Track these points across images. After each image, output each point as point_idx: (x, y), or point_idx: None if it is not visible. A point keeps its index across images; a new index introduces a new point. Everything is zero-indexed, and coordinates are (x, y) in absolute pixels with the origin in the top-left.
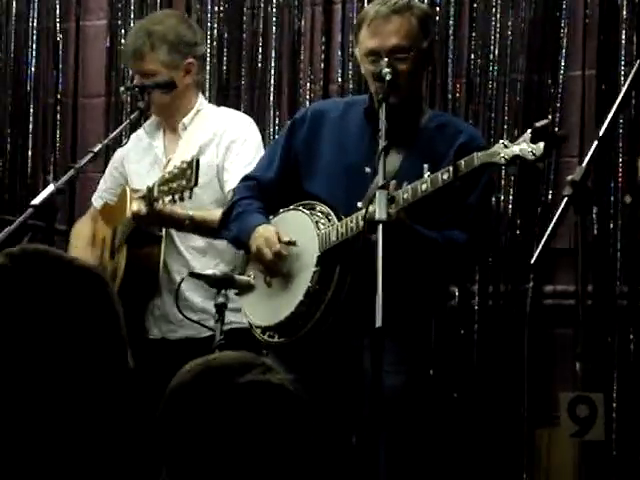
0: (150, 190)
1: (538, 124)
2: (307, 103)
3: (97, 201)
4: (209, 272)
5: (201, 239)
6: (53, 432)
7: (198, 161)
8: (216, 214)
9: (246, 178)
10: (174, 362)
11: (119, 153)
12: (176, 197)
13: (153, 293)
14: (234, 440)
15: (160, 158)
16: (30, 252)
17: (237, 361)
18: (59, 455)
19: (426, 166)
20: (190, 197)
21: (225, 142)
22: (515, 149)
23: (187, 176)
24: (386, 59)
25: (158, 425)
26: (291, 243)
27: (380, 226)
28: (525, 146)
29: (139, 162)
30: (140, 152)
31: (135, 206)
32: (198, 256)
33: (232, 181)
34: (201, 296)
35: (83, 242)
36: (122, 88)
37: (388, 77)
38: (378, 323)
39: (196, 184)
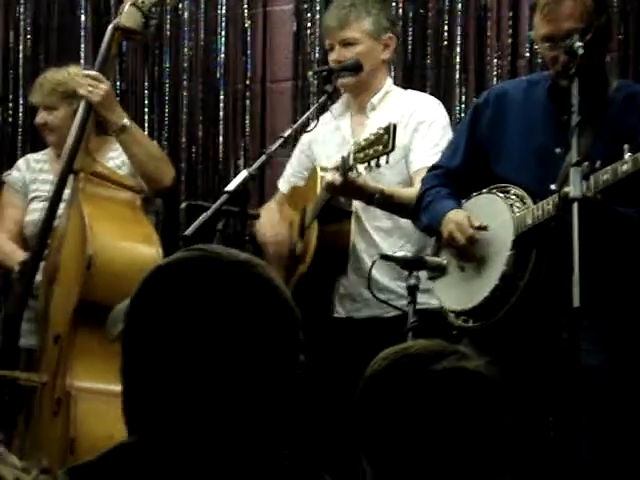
0: (345, 159)
1: None
2: (494, 80)
3: (284, 186)
4: (400, 254)
5: (388, 219)
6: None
7: (395, 126)
8: (404, 191)
9: (433, 168)
10: (359, 341)
11: (306, 137)
12: (372, 163)
13: (342, 270)
14: (431, 427)
15: (347, 139)
16: (200, 255)
17: (432, 349)
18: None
19: (627, 146)
20: (387, 162)
21: (413, 123)
22: None
23: (384, 141)
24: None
25: (355, 413)
26: (482, 228)
27: (575, 204)
28: None
29: (326, 144)
30: (327, 134)
31: (329, 176)
32: (385, 236)
33: (418, 162)
34: (388, 276)
35: (272, 226)
36: (310, 72)
37: (580, 51)
38: (575, 303)
39: (393, 149)
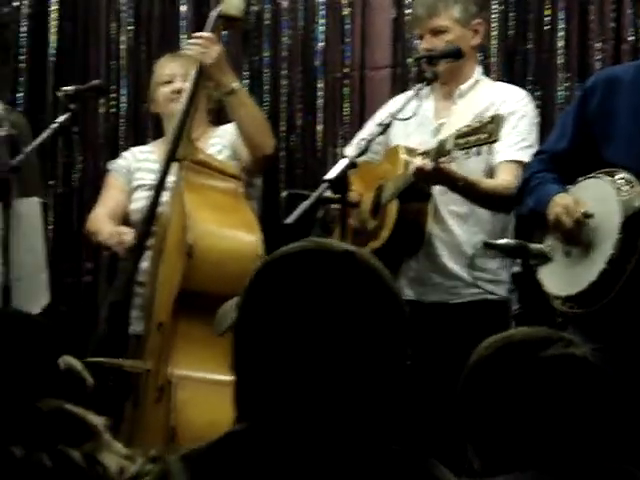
0: (443, 143)
1: None
2: (597, 65)
3: (350, 153)
4: (503, 241)
5: (465, 205)
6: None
7: (504, 117)
8: (487, 182)
9: (538, 153)
10: (427, 324)
11: (385, 113)
12: (472, 151)
13: (415, 251)
14: (539, 414)
15: (430, 119)
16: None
17: (538, 336)
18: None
19: None
20: (479, 153)
21: (503, 113)
22: None
23: (489, 130)
24: None
25: (460, 401)
26: (588, 216)
27: None
28: None
29: (406, 123)
30: (407, 113)
31: (419, 161)
32: (460, 222)
33: (503, 154)
34: (458, 264)
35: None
36: (411, 59)
37: None
38: None
39: (497, 139)
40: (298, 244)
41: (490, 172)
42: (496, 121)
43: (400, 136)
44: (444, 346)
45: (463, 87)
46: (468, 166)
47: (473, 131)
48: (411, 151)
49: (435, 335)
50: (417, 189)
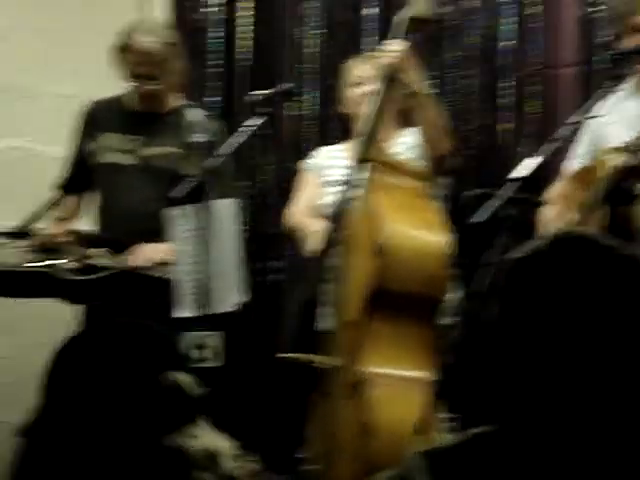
0: None
1: None
2: None
3: (571, 166)
4: None
5: None
6: None
7: None
8: None
9: None
10: None
11: (594, 120)
12: None
13: None
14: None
15: (637, 116)
16: (573, 237)
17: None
18: None
19: None
20: None
21: None
22: None
23: None
24: None
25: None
26: None
27: None
28: None
29: (615, 123)
30: (614, 115)
31: (618, 158)
32: None
33: None
34: None
35: (560, 208)
36: (608, 54)
37: None
38: None
39: None
40: (558, 236)
41: None
42: None
43: (612, 138)
44: None
45: None
46: None
47: None
48: (615, 150)
49: None
50: (624, 189)
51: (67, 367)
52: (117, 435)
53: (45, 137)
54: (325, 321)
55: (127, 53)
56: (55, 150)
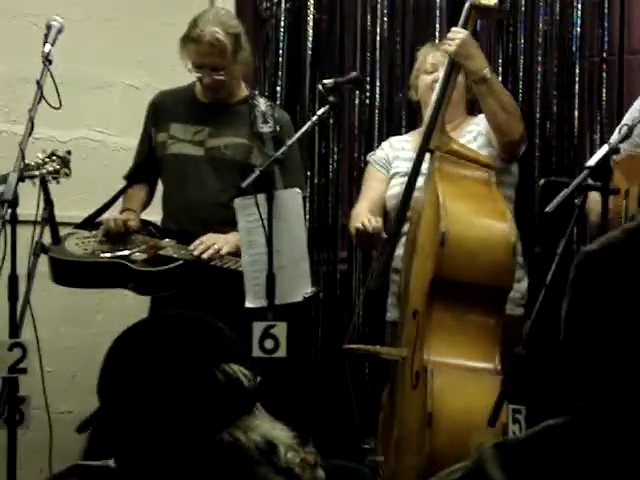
0: None
1: None
2: None
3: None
4: None
5: None
6: None
7: None
8: None
9: None
10: None
11: None
12: None
13: None
14: None
15: None
16: None
17: None
18: None
19: None
20: None
21: None
22: None
23: None
24: None
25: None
26: None
27: None
28: None
29: None
30: None
31: None
32: None
33: None
34: None
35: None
36: None
37: None
38: None
39: None
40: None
41: None
42: None
43: None
44: None
45: None
46: None
47: None
48: None
49: None
50: None
51: (123, 359)
52: (173, 428)
53: (116, 128)
54: (391, 311)
55: (193, 43)
56: (126, 141)
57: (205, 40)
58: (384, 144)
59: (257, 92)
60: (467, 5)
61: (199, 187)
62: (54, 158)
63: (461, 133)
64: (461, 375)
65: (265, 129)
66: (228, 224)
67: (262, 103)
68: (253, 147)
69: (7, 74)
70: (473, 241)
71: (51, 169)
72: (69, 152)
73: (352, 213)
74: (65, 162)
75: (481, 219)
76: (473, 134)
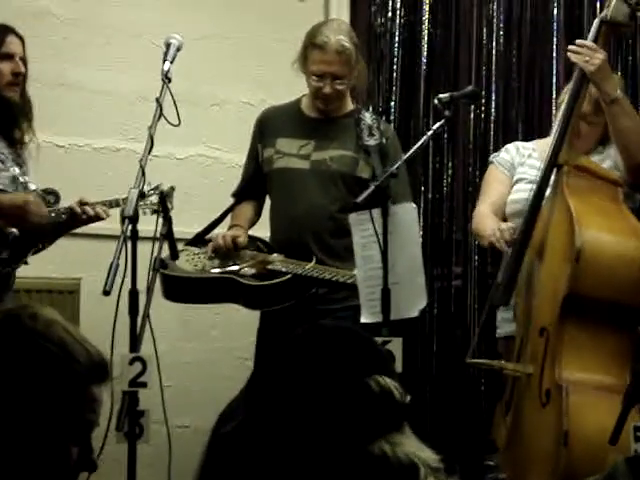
0: None
1: None
2: None
3: None
4: None
5: None
6: None
7: None
8: None
9: None
10: None
11: None
12: None
13: None
14: None
15: None
16: None
17: None
18: None
19: None
20: None
21: None
22: None
23: None
24: None
25: None
26: None
27: None
28: None
29: None
30: None
31: None
32: None
33: None
34: None
35: None
36: None
37: None
38: None
39: None
40: None
41: None
42: None
43: None
44: None
45: None
46: None
47: None
48: None
49: None
50: None
51: (273, 371)
52: (326, 437)
53: (231, 145)
54: (504, 326)
55: (318, 50)
56: (241, 157)
57: (332, 48)
58: (510, 147)
59: (363, 106)
60: (597, 21)
61: (306, 200)
62: (155, 193)
63: (589, 155)
64: (595, 393)
65: (371, 142)
66: (335, 235)
67: (368, 117)
68: (359, 159)
69: (126, 92)
70: (609, 257)
71: (148, 202)
72: (173, 188)
73: (474, 213)
74: (162, 199)
75: (615, 236)
76: (601, 156)
